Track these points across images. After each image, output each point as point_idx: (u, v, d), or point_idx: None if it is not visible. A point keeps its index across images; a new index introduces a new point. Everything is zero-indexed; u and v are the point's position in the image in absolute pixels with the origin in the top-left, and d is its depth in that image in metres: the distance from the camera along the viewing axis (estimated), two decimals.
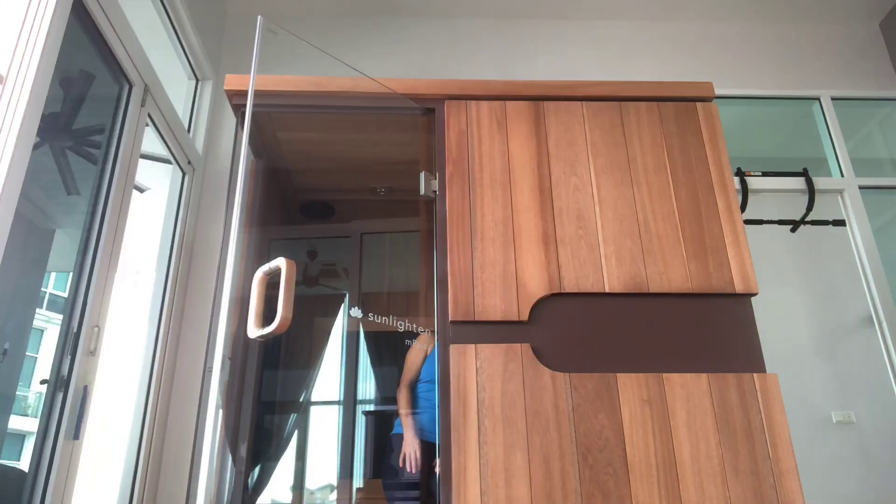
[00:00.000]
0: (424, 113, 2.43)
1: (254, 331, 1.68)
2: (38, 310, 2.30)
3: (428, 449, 2.52)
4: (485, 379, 1.88)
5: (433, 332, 2.74)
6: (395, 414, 2.70)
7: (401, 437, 2.56)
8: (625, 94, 2.36)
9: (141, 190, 2.98)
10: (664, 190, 2.20)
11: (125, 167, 2.45)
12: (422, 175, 2.43)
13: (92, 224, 2.31)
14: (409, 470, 2.43)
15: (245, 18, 3.66)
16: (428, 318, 2.79)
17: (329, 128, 2.65)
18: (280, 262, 1.73)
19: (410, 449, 2.46)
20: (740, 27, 3.78)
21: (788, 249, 3.41)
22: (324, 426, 3.14)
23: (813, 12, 3.75)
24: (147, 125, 2.69)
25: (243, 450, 2.45)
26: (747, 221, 3.23)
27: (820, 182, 3.35)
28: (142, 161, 2.66)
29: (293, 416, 3.20)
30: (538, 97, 2.33)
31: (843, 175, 3.39)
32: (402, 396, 2.65)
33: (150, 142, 2.83)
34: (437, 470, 2.44)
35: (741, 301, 2.06)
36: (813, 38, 3.77)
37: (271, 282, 1.75)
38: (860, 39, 3.78)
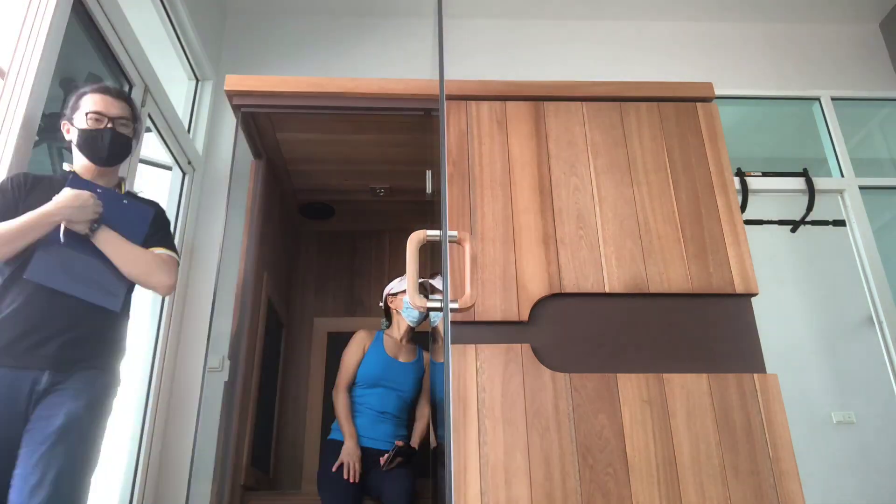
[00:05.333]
0: (424, 113, 2.43)
1: (419, 301, 1.55)
2: None
3: (367, 455, 2.41)
4: (485, 379, 1.88)
5: (369, 334, 2.65)
6: (331, 418, 2.57)
7: (337, 442, 2.45)
8: (625, 94, 2.36)
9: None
10: (664, 190, 2.20)
11: (125, 168, 2.45)
12: (427, 173, 2.42)
13: None
14: (346, 478, 2.30)
15: (245, 18, 3.66)
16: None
17: (329, 128, 2.65)
18: (464, 237, 1.62)
19: (349, 458, 2.35)
20: (740, 27, 3.78)
21: (788, 249, 3.41)
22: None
23: (813, 12, 3.75)
24: (148, 129, 2.69)
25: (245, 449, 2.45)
26: (747, 221, 3.22)
27: (820, 182, 3.35)
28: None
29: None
30: (538, 97, 2.33)
31: (843, 175, 3.38)
32: (340, 400, 2.51)
33: (151, 146, 2.83)
34: (382, 463, 2.37)
35: (741, 301, 2.06)
36: (813, 38, 3.76)
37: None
38: (860, 39, 3.78)
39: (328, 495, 2.32)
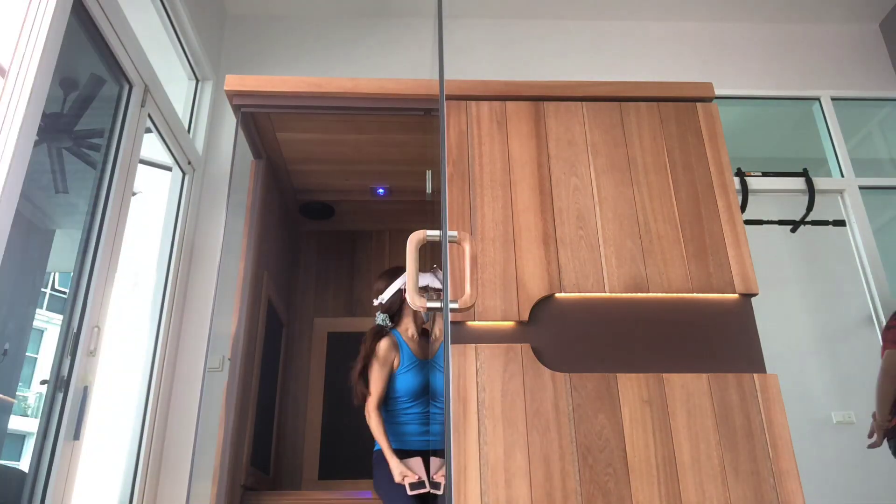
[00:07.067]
0: (424, 113, 2.43)
1: (419, 301, 1.52)
2: (38, 310, 2.29)
3: (420, 457, 2.32)
4: (485, 379, 1.88)
5: (394, 342, 2.47)
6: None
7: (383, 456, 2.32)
8: (625, 94, 2.36)
9: (132, 193, 2.97)
10: (664, 190, 2.20)
11: (125, 168, 2.45)
12: (428, 173, 2.42)
13: (92, 224, 2.31)
14: (417, 485, 2.18)
15: (245, 18, 3.66)
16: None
17: (329, 128, 2.65)
18: (463, 237, 1.60)
19: (400, 476, 2.23)
20: (740, 27, 3.78)
21: (788, 249, 3.41)
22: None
23: (813, 12, 3.75)
24: (148, 129, 2.69)
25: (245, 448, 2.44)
26: (747, 221, 3.23)
27: (820, 182, 3.35)
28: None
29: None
30: (538, 97, 2.33)
31: (843, 175, 3.39)
32: (373, 422, 2.35)
33: (151, 146, 2.83)
34: (438, 479, 2.25)
35: (741, 301, 2.06)
36: (813, 38, 3.77)
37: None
38: (860, 39, 3.78)
39: (393, 496, 2.24)
